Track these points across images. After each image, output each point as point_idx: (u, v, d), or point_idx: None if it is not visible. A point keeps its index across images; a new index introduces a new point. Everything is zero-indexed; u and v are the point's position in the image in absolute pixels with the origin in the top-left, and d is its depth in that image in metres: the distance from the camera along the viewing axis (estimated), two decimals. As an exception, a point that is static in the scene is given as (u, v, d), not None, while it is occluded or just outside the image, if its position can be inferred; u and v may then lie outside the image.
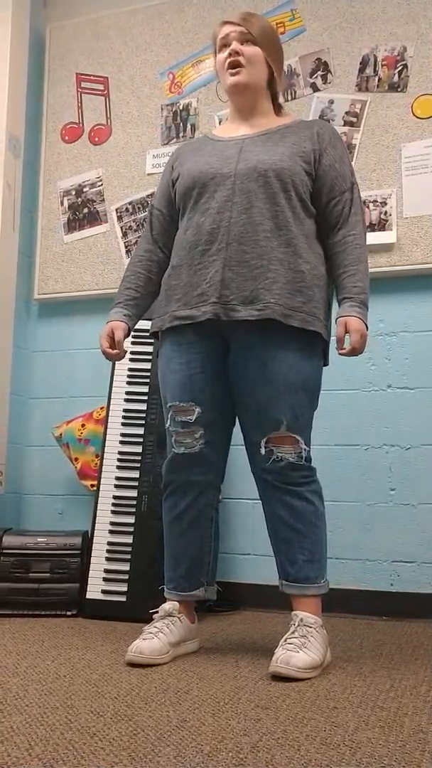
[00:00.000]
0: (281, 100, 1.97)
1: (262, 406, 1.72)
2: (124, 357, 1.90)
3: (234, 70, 1.82)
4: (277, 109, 1.93)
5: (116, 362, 2.51)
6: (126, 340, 1.89)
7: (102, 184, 2.96)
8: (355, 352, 1.72)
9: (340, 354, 1.73)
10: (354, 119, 2.63)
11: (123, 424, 2.44)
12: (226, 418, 1.83)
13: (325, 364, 1.84)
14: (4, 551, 2.35)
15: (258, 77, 1.85)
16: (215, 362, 1.79)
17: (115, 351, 1.86)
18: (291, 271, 1.71)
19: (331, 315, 1.82)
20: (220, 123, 2.80)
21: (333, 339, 1.76)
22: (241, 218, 1.73)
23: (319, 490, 1.77)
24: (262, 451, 1.73)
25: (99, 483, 2.40)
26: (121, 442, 2.42)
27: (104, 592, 2.27)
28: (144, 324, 2.07)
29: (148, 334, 1.92)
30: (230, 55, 1.82)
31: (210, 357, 1.78)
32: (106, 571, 2.29)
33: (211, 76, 2.82)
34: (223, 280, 1.72)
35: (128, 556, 2.28)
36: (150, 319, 1.92)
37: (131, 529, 2.31)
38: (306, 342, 1.73)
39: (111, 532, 2.33)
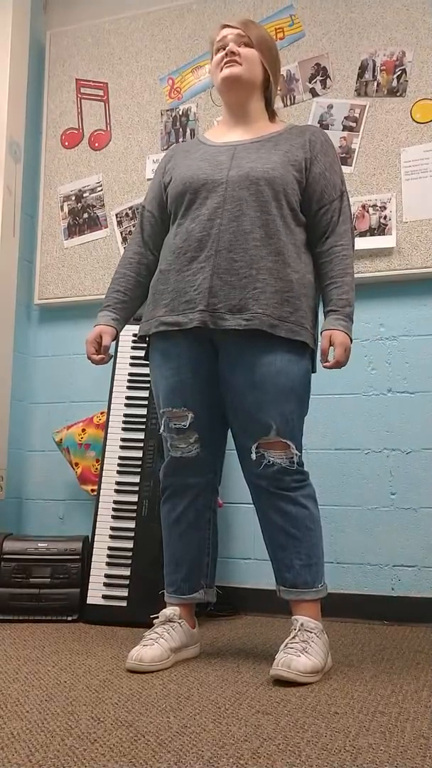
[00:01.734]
0: (278, 106, 1.97)
1: (251, 411, 1.72)
2: (109, 362, 1.90)
3: (229, 64, 1.82)
4: (271, 115, 1.92)
5: (117, 367, 2.51)
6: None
7: (102, 189, 2.96)
8: (338, 365, 1.73)
9: (324, 367, 1.75)
10: (353, 124, 2.63)
11: (123, 429, 2.44)
12: (220, 421, 1.83)
13: (313, 371, 1.84)
14: (5, 556, 2.35)
15: (252, 75, 1.84)
16: (205, 366, 1.79)
17: (100, 356, 1.86)
18: (279, 280, 1.71)
19: (318, 323, 1.83)
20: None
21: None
22: (231, 226, 1.73)
23: (313, 493, 1.76)
24: (253, 456, 1.73)
25: (99, 488, 2.40)
26: (122, 447, 2.42)
27: (105, 597, 2.27)
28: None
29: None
30: (227, 54, 1.83)
31: (200, 361, 1.78)
32: (107, 576, 2.29)
33: (210, 82, 2.82)
34: (211, 287, 1.71)
35: (129, 561, 2.28)
36: (138, 321, 1.92)
37: (132, 534, 2.31)
38: (293, 347, 1.73)
39: (111, 537, 2.33)
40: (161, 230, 1.92)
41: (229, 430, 1.84)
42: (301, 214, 1.79)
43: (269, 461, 1.71)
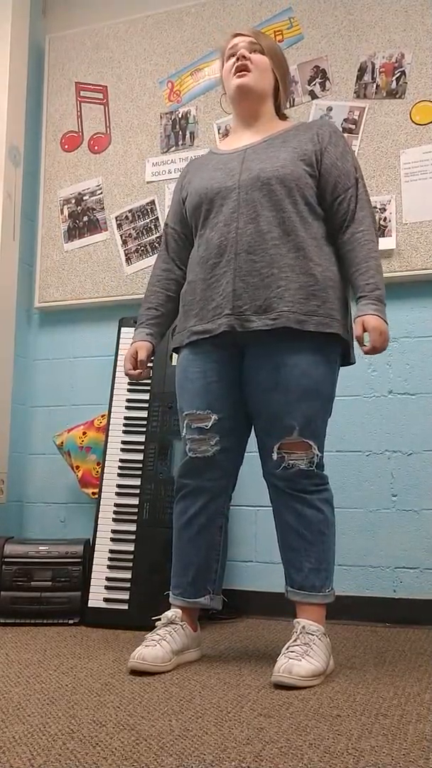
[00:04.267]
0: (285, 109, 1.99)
1: (274, 412, 1.73)
2: (147, 377, 1.93)
3: (241, 72, 1.84)
4: (281, 117, 1.95)
5: (117, 370, 2.51)
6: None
7: (102, 193, 2.97)
8: (375, 350, 1.70)
9: (364, 353, 1.71)
10: (353, 126, 2.63)
11: (124, 432, 2.44)
12: (241, 426, 1.84)
13: (351, 362, 1.84)
14: (6, 560, 2.35)
15: (264, 83, 1.87)
16: (231, 370, 1.80)
17: (137, 371, 1.90)
18: (303, 275, 1.72)
19: (350, 314, 1.82)
20: (219, 131, 2.81)
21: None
22: (248, 228, 1.74)
23: (330, 498, 1.77)
24: (274, 456, 1.74)
25: (100, 491, 2.40)
26: (123, 450, 2.42)
27: (106, 600, 2.26)
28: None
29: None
30: (238, 59, 1.85)
31: (226, 365, 1.80)
32: (108, 579, 2.29)
33: (209, 84, 2.84)
34: (234, 290, 1.73)
35: (130, 564, 2.28)
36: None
37: (132, 536, 2.31)
38: (321, 345, 1.73)
39: (112, 539, 2.33)
40: (186, 245, 1.95)
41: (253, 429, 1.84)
42: (319, 208, 1.79)
43: (289, 464, 1.72)
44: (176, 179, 2.07)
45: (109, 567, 2.30)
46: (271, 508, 1.80)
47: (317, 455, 1.73)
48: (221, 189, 1.80)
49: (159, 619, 1.80)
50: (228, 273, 1.75)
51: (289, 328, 1.69)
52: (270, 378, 1.73)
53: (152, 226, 2.85)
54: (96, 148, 3.01)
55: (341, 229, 1.79)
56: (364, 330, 1.70)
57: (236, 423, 1.82)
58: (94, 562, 2.32)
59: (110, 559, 2.31)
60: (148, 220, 2.86)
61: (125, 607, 2.24)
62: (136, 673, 1.63)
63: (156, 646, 1.67)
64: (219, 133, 2.80)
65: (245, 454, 1.88)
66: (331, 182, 1.79)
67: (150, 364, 1.95)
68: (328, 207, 1.80)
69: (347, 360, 1.84)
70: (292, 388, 1.71)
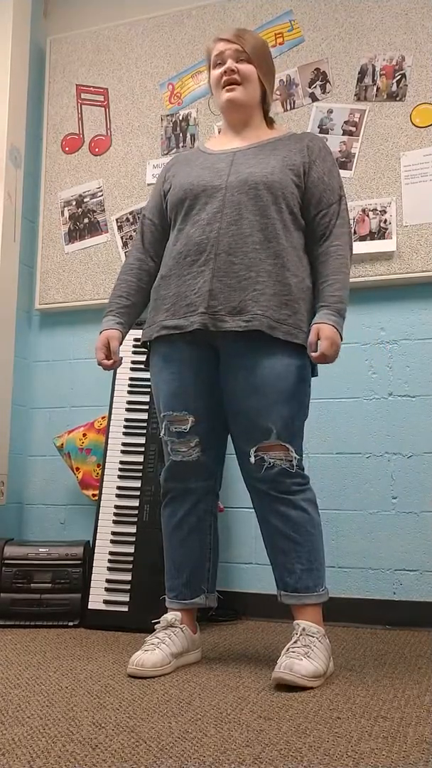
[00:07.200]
0: (278, 111, 1.99)
1: (251, 415, 1.72)
2: (120, 365, 1.90)
3: (230, 87, 1.85)
4: (269, 122, 1.96)
5: (117, 371, 2.51)
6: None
7: (102, 195, 2.97)
8: (325, 359, 1.69)
9: (312, 359, 1.72)
10: (353, 128, 2.64)
11: (124, 434, 2.44)
12: (220, 425, 1.84)
13: (314, 374, 1.84)
14: (6, 562, 2.35)
15: (252, 95, 1.88)
16: (206, 370, 1.80)
17: (111, 361, 1.86)
18: (278, 283, 1.73)
19: None
20: (219, 133, 2.81)
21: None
22: (230, 230, 1.75)
23: (314, 498, 1.77)
24: (252, 459, 1.73)
25: (100, 492, 2.40)
26: (123, 452, 2.42)
27: (106, 602, 2.26)
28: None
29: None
30: (226, 72, 1.85)
31: (201, 365, 1.79)
32: (108, 581, 2.29)
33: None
34: (211, 290, 1.73)
35: (130, 566, 2.28)
36: (141, 326, 1.92)
37: (133, 538, 2.31)
38: (294, 350, 1.73)
39: (113, 541, 2.33)
40: (162, 238, 1.94)
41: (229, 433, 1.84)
42: (301, 218, 1.81)
43: (269, 463, 1.71)
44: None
45: (109, 569, 2.30)
46: (270, 511, 1.79)
47: (296, 458, 1.73)
48: (207, 187, 1.79)
49: (158, 622, 1.80)
50: (206, 272, 1.74)
51: (261, 333, 1.69)
52: (246, 381, 1.72)
53: (153, 228, 2.85)
54: (97, 150, 3.02)
55: (318, 241, 1.81)
56: (318, 338, 1.70)
57: (215, 422, 1.82)
58: (94, 564, 2.32)
59: (110, 561, 2.30)
60: (148, 222, 2.86)
61: (125, 609, 2.24)
62: (135, 678, 1.63)
63: (155, 650, 1.67)
64: (213, 137, 2.80)
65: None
66: (316, 196, 1.80)
67: (122, 355, 1.88)
68: (310, 219, 1.82)
69: (314, 372, 1.84)
70: (268, 391, 1.71)
